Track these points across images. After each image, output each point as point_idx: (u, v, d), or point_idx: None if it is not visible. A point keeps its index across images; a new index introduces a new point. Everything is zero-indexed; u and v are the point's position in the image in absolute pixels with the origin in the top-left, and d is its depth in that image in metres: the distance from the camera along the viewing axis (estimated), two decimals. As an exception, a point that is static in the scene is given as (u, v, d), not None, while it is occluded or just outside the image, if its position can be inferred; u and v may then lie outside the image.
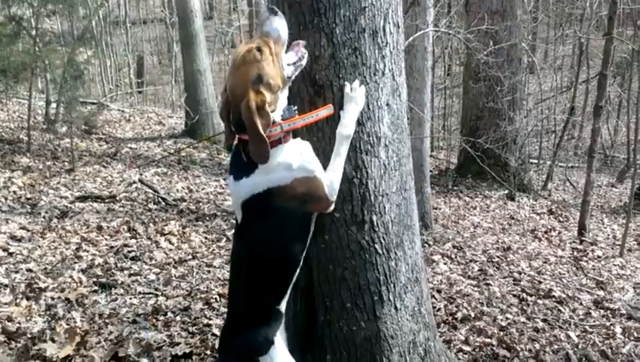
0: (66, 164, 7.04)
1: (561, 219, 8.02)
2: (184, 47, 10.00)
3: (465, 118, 9.80)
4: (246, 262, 2.01)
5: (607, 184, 11.46)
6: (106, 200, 5.83)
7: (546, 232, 7.06)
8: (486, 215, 7.71)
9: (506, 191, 8.74)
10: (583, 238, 6.67)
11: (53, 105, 8.65)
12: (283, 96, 1.97)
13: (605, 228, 7.91)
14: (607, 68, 6.65)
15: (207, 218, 5.56)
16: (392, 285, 2.23)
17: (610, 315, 4.16)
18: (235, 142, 1.99)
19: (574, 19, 15.76)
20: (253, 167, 1.90)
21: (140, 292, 3.78)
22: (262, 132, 1.80)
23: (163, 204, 5.94)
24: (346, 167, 2.09)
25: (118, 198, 5.93)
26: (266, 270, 1.99)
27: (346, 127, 2.10)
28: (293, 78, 1.99)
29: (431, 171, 8.32)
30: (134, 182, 6.53)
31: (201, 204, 6.08)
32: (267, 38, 1.90)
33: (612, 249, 6.54)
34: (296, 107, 2.01)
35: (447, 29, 7.33)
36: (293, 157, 1.95)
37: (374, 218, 2.17)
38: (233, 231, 2.19)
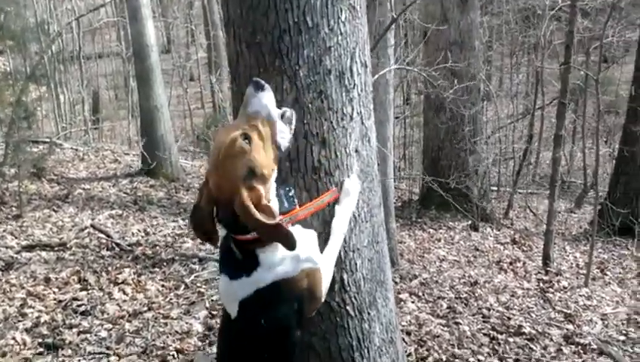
0: (13, 209, 6.67)
1: (525, 249, 8.02)
2: (140, 83, 9.73)
3: (426, 149, 9.79)
4: (244, 358, 1.81)
5: (565, 210, 11.60)
6: (56, 249, 5.48)
7: (511, 263, 7.03)
8: (451, 247, 7.64)
9: (470, 222, 8.71)
10: (548, 268, 6.65)
11: (2, 145, 8.27)
12: (273, 179, 1.76)
13: (568, 256, 7.94)
14: (565, 96, 6.71)
15: (165, 263, 5.28)
16: (365, 349, 2.06)
17: (582, 351, 4.11)
18: (221, 234, 1.78)
19: (527, 47, 16.16)
20: (254, 264, 1.72)
21: (89, 353, 3.50)
22: (272, 223, 1.62)
23: (117, 249, 5.63)
24: (313, 221, 1.92)
25: (68, 246, 5.58)
26: None
27: (342, 221, 1.97)
28: (285, 150, 1.81)
29: (394, 203, 8.24)
30: (86, 227, 6.20)
31: (158, 247, 5.80)
32: (254, 121, 1.70)
33: (577, 278, 6.54)
34: (292, 191, 1.84)
35: (410, 62, 7.31)
36: (300, 248, 1.75)
37: (345, 276, 2.00)
38: (220, 327, 1.99)
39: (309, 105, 1.94)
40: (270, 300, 1.74)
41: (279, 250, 1.72)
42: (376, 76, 4.86)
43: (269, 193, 1.72)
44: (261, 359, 1.79)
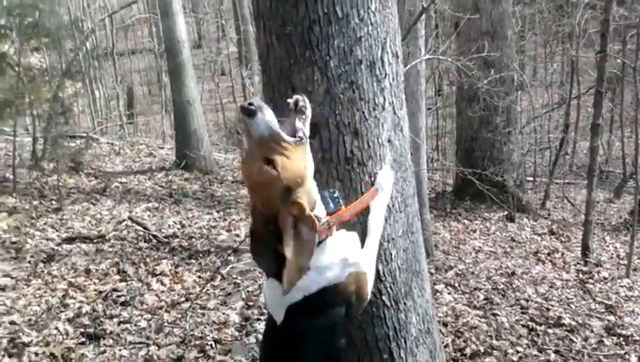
0: (53, 202, 6.83)
1: (563, 239, 7.88)
2: (172, 78, 9.87)
3: (460, 139, 9.68)
4: None
5: (604, 200, 11.34)
6: (95, 241, 5.60)
7: (549, 254, 6.91)
8: (487, 238, 7.55)
9: (505, 213, 8.59)
10: (587, 259, 6.53)
11: (41, 140, 8.47)
12: (310, 173, 1.70)
13: (608, 246, 7.78)
14: (602, 85, 6.56)
15: (201, 255, 5.35)
16: (402, 340, 2.04)
17: (624, 342, 4.01)
18: None
19: (561, 36, 15.81)
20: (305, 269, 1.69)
21: (130, 342, 3.57)
22: (307, 238, 1.60)
23: (154, 241, 5.72)
24: (347, 213, 1.92)
25: (107, 238, 5.70)
26: None
27: (378, 216, 1.95)
28: (309, 133, 1.73)
29: (428, 194, 8.17)
30: (124, 220, 6.32)
31: (193, 239, 5.87)
32: (264, 142, 1.61)
33: (617, 269, 6.40)
34: (337, 193, 1.81)
35: (442, 53, 7.23)
36: (348, 251, 1.76)
37: (380, 266, 1.99)
38: (265, 330, 1.97)
39: (341, 96, 1.93)
40: (318, 306, 1.73)
41: (327, 254, 1.71)
42: (408, 66, 4.82)
43: (312, 192, 1.69)
44: None
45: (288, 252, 1.59)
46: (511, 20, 9.24)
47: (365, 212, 1.96)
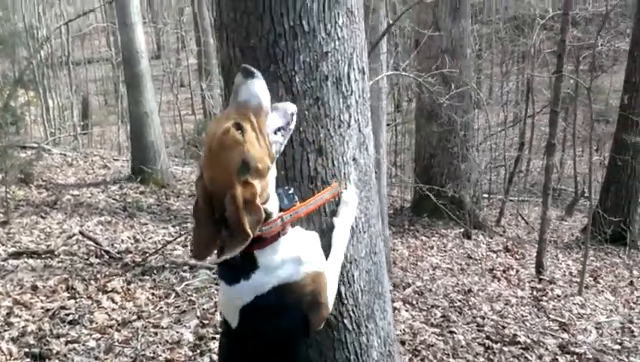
0: (0, 215, 6.56)
1: (518, 257, 8.02)
2: (130, 89, 9.66)
3: (418, 156, 9.79)
4: None
5: (556, 217, 11.63)
6: (43, 256, 5.37)
7: (504, 271, 7.02)
8: (444, 255, 7.62)
9: (462, 229, 8.70)
10: (541, 276, 6.66)
11: (-10, 150, 8.16)
12: (272, 175, 1.64)
13: (561, 263, 7.95)
14: (558, 105, 6.73)
15: (155, 271, 5.18)
16: (363, 364, 1.99)
17: (577, 360, 4.08)
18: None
19: (517, 56, 16.25)
20: (253, 266, 1.61)
21: (77, 363, 3.42)
22: (248, 230, 1.49)
23: (106, 257, 5.53)
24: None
25: (56, 253, 5.47)
26: None
27: (342, 233, 1.89)
28: (282, 149, 1.69)
29: (387, 211, 8.20)
30: (75, 234, 6.09)
31: (147, 255, 5.71)
32: (245, 110, 1.56)
33: (570, 286, 6.53)
34: (292, 190, 1.76)
35: (404, 70, 7.30)
36: (302, 249, 1.68)
37: (342, 289, 1.93)
38: (220, 335, 1.92)
39: (305, 113, 1.86)
40: (272, 308, 1.64)
41: (279, 252, 1.63)
42: (370, 83, 4.82)
43: (266, 191, 1.61)
44: None
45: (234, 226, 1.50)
46: (470, 39, 9.43)
47: (327, 227, 1.91)
